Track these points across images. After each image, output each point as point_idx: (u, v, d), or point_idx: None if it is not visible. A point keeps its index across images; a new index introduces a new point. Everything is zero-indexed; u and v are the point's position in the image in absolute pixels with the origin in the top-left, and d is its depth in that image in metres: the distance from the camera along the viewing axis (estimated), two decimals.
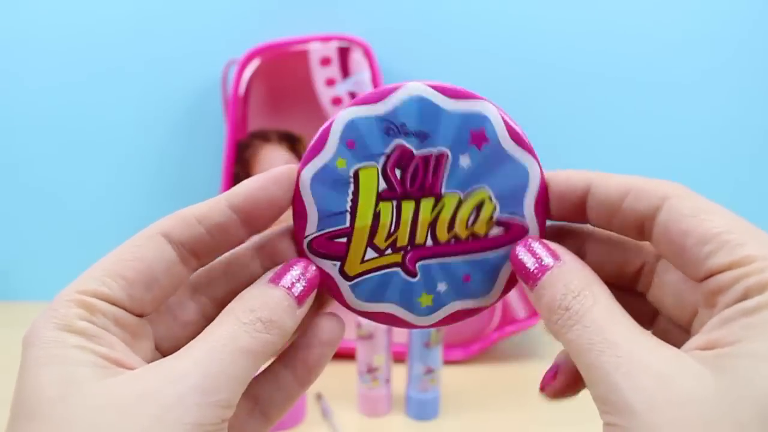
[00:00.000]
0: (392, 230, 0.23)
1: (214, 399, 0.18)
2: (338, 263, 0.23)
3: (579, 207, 0.22)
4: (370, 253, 0.23)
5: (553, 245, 0.21)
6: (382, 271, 0.24)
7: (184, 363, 0.18)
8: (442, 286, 0.24)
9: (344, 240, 0.23)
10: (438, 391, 0.56)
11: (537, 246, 0.21)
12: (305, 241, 0.23)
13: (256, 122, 0.67)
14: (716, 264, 0.17)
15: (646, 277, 0.22)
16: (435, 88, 0.22)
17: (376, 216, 0.23)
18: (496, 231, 0.23)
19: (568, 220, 0.23)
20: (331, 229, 0.23)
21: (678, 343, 0.18)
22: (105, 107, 0.74)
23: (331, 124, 0.22)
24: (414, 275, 0.24)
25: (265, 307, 0.20)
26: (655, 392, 0.16)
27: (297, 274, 0.21)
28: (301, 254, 0.23)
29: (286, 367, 0.23)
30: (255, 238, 0.23)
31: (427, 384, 0.55)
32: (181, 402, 0.17)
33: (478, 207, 0.23)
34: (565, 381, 0.22)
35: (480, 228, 0.23)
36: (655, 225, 0.19)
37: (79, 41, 0.72)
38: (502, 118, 0.22)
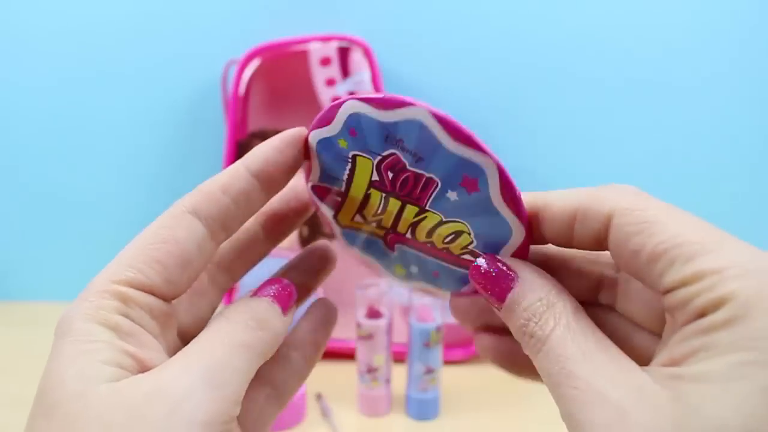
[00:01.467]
0: (379, 212, 0.24)
1: (223, 393, 0.18)
2: (333, 212, 0.26)
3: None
4: (359, 218, 0.25)
5: (511, 261, 0.20)
6: (367, 234, 0.26)
7: (188, 360, 0.18)
8: (414, 268, 0.26)
9: (339, 198, 0.25)
10: (438, 391, 0.56)
11: (493, 267, 0.20)
12: (309, 185, 0.25)
13: (256, 122, 0.67)
14: (669, 282, 0.17)
15: (610, 289, 0.22)
16: (440, 122, 0.19)
17: (367, 196, 0.24)
18: (468, 257, 0.23)
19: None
20: (329, 185, 0.24)
21: (652, 354, 0.18)
22: (105, 107, 0.74)
23: (340, 105, 0.21)
24: (392, 251, 0.26)
25: (254, 311, 0.20)
26: (611, 427, 0.16)
27: (276, 288, 0.22)
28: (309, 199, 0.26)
29: (296, 348, 0.25)
30: (262, 216, 0.25)
31: (427, 384, 0.55)
32: (191, 397, 0.17)
33: (457, 233, 0.22)
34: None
35: (455, 249, 0.23)
36: (609, 244, 0.19)
37: (79, 41, 0.72)
38: (500, 178, 0.20)
